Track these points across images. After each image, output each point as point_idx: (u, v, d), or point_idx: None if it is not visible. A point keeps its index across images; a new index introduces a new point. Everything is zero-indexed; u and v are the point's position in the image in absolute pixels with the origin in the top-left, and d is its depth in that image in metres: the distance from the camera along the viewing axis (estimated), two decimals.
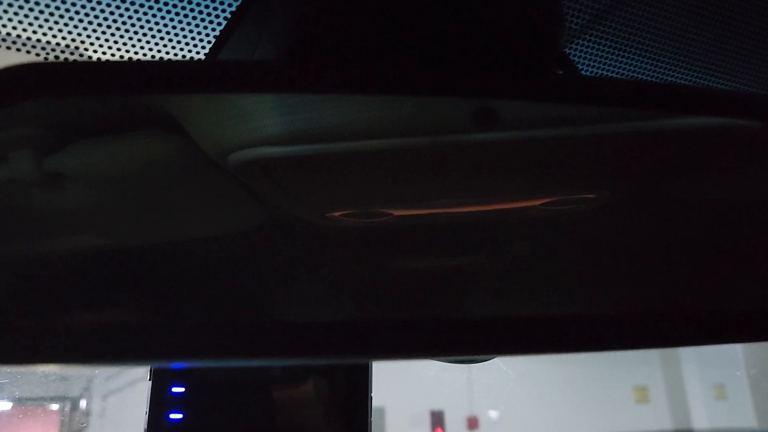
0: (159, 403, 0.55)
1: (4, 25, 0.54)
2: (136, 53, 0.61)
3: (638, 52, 0.70)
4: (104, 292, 0.31)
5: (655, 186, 0.41)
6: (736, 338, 0.41)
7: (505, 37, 0.43)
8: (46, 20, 0.54)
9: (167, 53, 0.61)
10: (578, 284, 0.38)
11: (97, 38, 0.57)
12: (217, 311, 0.32)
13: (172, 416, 0.55)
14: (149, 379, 0.55)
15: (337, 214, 0.35)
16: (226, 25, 0.49)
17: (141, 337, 0.29)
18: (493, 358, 0.55)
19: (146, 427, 0.54)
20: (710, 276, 0.40)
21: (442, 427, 4.85)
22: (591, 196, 0.40)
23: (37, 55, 0.58)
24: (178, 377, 0.56)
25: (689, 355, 5.41)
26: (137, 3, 0.54)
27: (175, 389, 0.55)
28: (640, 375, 5.55)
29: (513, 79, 0.36)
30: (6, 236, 0.31)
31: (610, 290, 0.38)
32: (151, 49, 0.60)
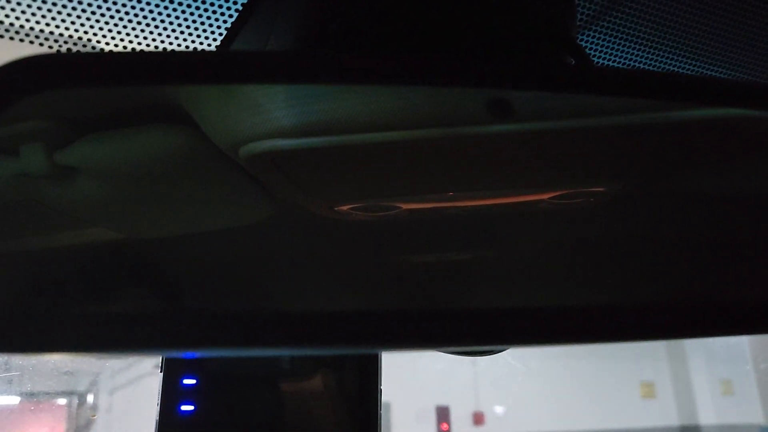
0: (171, 394, 0.55)
1: (17, 18, 0.54)
2: (147, 45, 0.61)
3: (650, 43, 0.70)
4: (116, 283, 0.31)
5: (665, 179, 0.41)
6: (746, 330, 0.41)
7: (519, 26, 0.43)
8: (59, 12, 0.54)
9: (179, 45, 0.61)
10: (586, 276, 0.38)
11: (109, 30, 0.57)
12: (226, 302, 0.32)
13: (184, 408, 0.55)
14: (161, 371, 0.56)
15: (345, 207, 0.35)
16: (238, 16, 0.48)
17: (152, 326, 0.29)
18: (502, 350, 0.55)
19: (158, 418, 0.55)
20: (720, 268, 0.40)
21: (448, 422, 4.86)
22: (601, 189, 0.40)
23: (50, 47, 0.58)
24: (190, 369, 0.56)
25: (696, 351, 5.40)
26: None
27: (186, 381, 0.56)
28: (646, 370, 5.54)
29: (529, 69, 0.36)
30: (17, 228, 0.31)
31: (617, 282, 0.38)
32: (162, 41, 0.60)
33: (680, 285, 0.39)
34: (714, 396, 5.38)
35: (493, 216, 0.37)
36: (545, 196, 0.38)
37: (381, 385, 0.60)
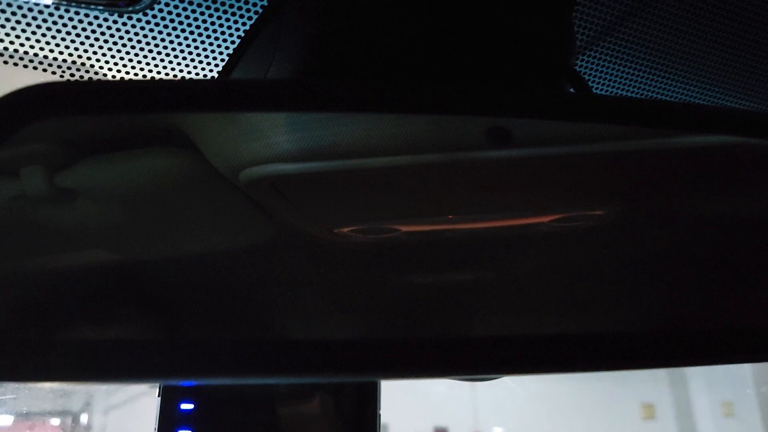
0: (168, 419, 0.55)
1: (21, 44, 0.55)
2: (150, 71, 0.61)
3: (647, 68, 0.71)
4: (112, 308, 0.31)
5: (664, 203, 0.41)
6: (747, 358, 0.40)
7: (517, 54, 0.44)
8: (63, 39, 0.55)
9: (180, 71, 0.62)
10: (586, 302, 0.37)
11: (112, 56, 0.58)
12: (224, 328, 0.32)
13: None
14: (158, 396, 0.55)
15: (345, 230, 0.35)
16: (239, 43, 0.49)
17: (147, 354, 0.29)
18: (502, 377, 0.55)
19: None
20: (719, 294, 0.39)
21: None
22: (600, 212, 0.40)
23: (53, 73, 0.58)
24: (187, 394, 0.55)
25: (697, 372, 5.35)
26: (152, 23, 0.55)
27: (184, 406, 0.55)
28: (647, 392, 5.48)
29: (527, 98, 0.36)
30: (16, 251, 0.31)
31: (618, 308, 0.38)
32: (165, 68, 0.61)
33: (680, 311, 0.38)
34: (715, 418, 5.32)
35: (493, 238, 0.37)
36: (545, 219, 0.38)
37: (380, 409, 0.60)
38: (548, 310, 0.36)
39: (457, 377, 0.50)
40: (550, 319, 0.36)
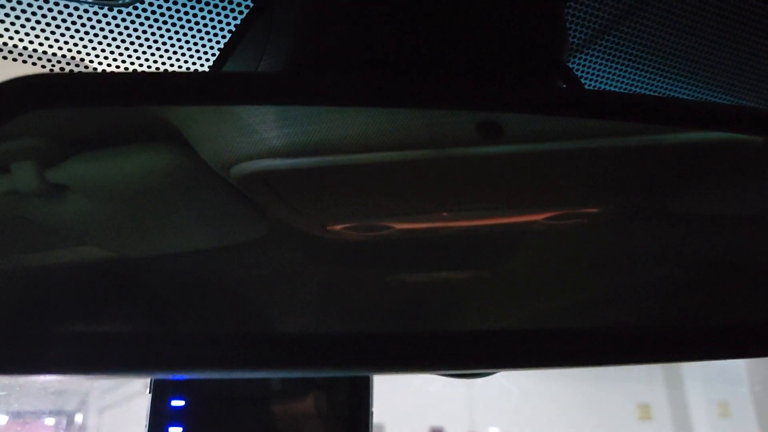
0: (159, 416, 0.54)
1: (11, 37, 0.55)
2: (140, 65, 0.61)
3: (640, 67, 0.71)
4: (105, 303, 0.31)
5: (658, 200, 0.41)
6: (741, 353, 0.41)
7: (510, 51, 0.44)
8: (53, 32, 0.55)
9: (171, 65, 0.61)
10: (580, 298, 0.37)
11: (102, 50, 0.58)
12: (217, 323, 0.32)
13: (172, 429, 0.54)
14: (149, 392, 0.55)
15: (338, 227, 0.35)
16: (230, 37, 0.49)
17: (141, 347, 0.29)
18: (495, 372, 0.55)
19: None
20: (713, 290, 0.40)
21: None
22: (594, 210, 0.40)
23: (43, 67, 0.58)
24: (179, 390, 0.55)
25: (693, 373, 5.37)
26: (142, 16, 0.55)
27: (175, 402, 0.55)
28: (643, 392, 5.50)
29: (518, 92, 0.36)
30: (6, 247, 0.31)
31: (612, 304, 0.38)
32: (155, 62, 0.61)
33: (674, 307, 0.38)
34: (711, 418, 5.34)
35: (487, 237, 0.37)
36: (539, 217, 0.38)
37: (372, 407, 0.60)
38: (541, 306, 0.36)
39: (450, 372, 0.50)
40: (543, 314, 0.36)
